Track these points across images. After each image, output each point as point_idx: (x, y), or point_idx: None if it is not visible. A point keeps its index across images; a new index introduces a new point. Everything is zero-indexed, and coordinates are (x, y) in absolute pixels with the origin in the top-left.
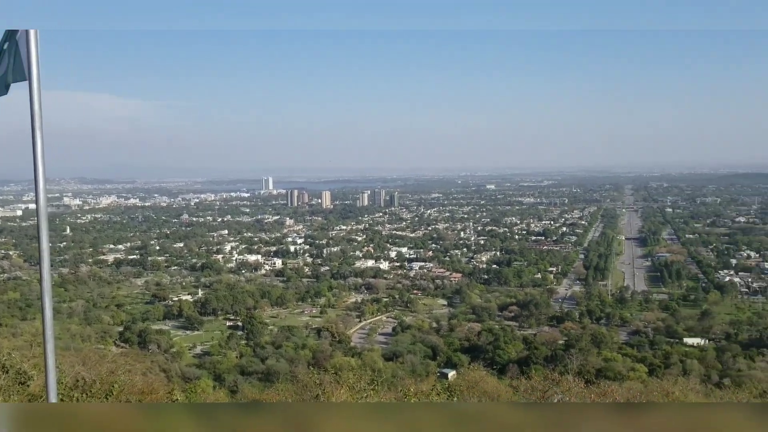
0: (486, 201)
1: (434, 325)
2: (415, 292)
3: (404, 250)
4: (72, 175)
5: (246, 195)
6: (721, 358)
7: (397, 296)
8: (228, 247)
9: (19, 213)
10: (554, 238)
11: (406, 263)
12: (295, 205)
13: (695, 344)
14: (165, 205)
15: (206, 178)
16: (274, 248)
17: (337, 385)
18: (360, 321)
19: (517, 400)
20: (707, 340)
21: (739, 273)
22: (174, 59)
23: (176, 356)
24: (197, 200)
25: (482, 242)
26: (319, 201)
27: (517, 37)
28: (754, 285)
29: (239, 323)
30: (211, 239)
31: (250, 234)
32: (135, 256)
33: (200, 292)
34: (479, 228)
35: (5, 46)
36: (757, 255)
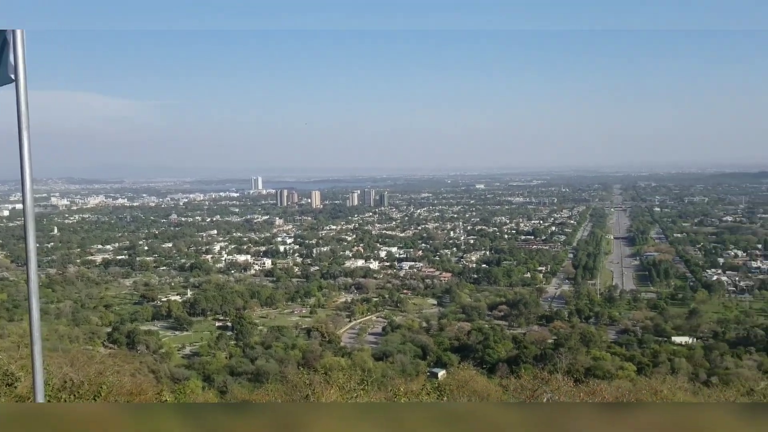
0: (476, 201)
1: (424, 324)
2: (404, 291)
3: (394, 249)
4: (59, 175)
5: (235, 195)
6: (709, 357)
7: (386, 296)
8: (217, 247)
9: (6, 213)
10: (543, 237)
11: (395, 263)
12: (285, 204)
13: (683, 343)
14: (153, 205)
15: (195, 178)
16: (263, 248)
17: (327, 385)
18: (350, 321)
19: (507, 399)
20: (695, 339)
21: (727, 272)
22: (173, 59)
23: (165, 357)
24: (186, 200)
25: (472, 242)
26: (309, 201)
27: (517, 37)
28: (742, 284)
29: (228, 324)
30: (200, 239)
31: (239, 234)
32: (123, 257)
33: (189, 293)
34: (469, 227)
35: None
36: (744, 254)
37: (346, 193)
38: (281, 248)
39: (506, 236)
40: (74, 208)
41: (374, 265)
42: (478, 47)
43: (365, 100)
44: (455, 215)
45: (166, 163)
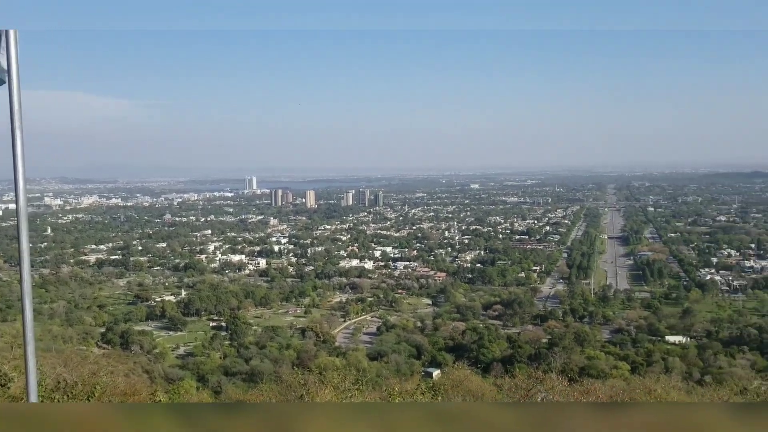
0: (470, 200)
1: (419, 324)
2: (399, 291)
3: (389, 249)
4: (53, 175)
5: (229, 195)
6: (703, 356)
7: (381, 296)
8: (211, 247)
9: None
10: (538, 237)
11: (390, 263)
12: (279, 204)
13: (677, 342)
14: (147, 204)
15: (189, 178)
16: (258, 248)
17: (321, 385)
18: (344, 321)
19: (502, 398)
20: (689, 338)
21: (720, 271)
22: (172, 59)
23: (159, 357)
24: (180, 200)
25: (466, 241)
26: (304, 200)
27: (517, 37)
28: (735, 283)
29: (223, 324)
30: (194, 239)
31: (233, 234)
32: (117, 257)
33: (183, 293)
34: (463, 227)
35: None
36: (738, 253)
37: (340, 192)
38: (276, 248)
39: (501, 236)
40: (68, 207)
41: (369, 264)
42: (478, 47)
43: (365, 100)
44: (450, 215)
45: (165, 162)
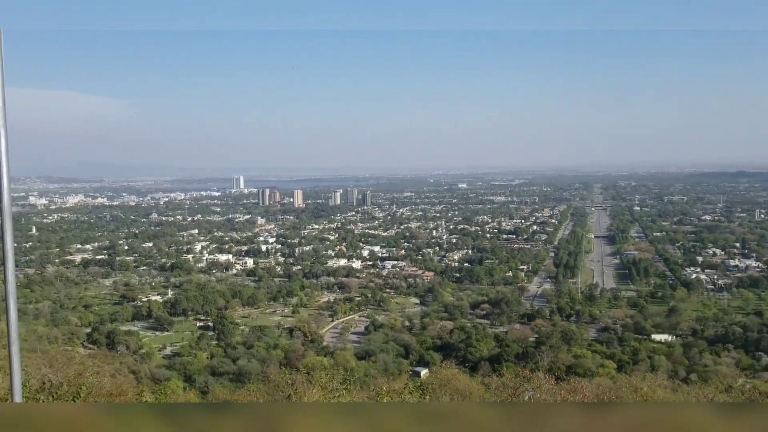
0: (458, 200)
1: (407, 323)
2: (387, 290)
3: (377, 248)
4: (38, 174)
5: (216, 194)
6: (688, 354)
7: (369, 295)
8: (198, 247)
9: None
10: (525, 236)
11: (378, 262)
12: (267, 204)
13: (663, 340)
14: (133, 204)
15: (176, 177)
16: (245, 248)
17: (309, 385)
18: (332, 320)
19: (489, 397)
20: (674, 337)
21: (705, 270)
22: (172, 59)
23: (145, 357)
24: (167, 199)
25: (454, 241)
26: (291, 200)
27: (517, 37)
28: (720, 282)
29: (210, 323)
30: (180, 239)
31: (220, 233)
32: (103, 256)
33: (170, 293)
34: (451, 227)
35: None
36: (723, 252)
37: (328, 192)
38: (263, 248)
39: (488, 235)
40: (53, 207)
41: (357, 264)
42: (478, 47)
43: (365, 100)
44: (438, 214)
45: (142, 162)
